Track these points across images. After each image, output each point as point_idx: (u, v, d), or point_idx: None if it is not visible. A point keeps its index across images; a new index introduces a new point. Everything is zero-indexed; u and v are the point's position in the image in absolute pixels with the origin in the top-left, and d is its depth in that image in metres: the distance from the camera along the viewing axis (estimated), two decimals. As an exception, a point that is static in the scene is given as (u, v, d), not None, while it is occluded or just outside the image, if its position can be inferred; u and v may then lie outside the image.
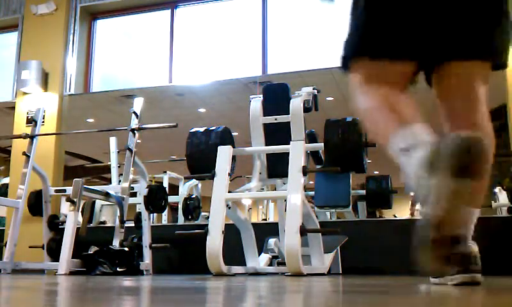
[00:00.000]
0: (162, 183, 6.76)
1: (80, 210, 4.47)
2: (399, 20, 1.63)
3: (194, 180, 6.40)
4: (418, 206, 4.54)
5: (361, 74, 1.70)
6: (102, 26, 6.78)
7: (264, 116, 4.17)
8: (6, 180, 6.59)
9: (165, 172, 6.85)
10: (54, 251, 4.66)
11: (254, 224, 4.25)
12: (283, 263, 3.97)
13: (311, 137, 4.48)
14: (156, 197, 4.68)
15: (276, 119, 4.12)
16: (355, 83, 1.72)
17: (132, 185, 4.87)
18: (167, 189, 5.68)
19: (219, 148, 3.90)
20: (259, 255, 4.25)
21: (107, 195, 4.66)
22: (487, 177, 1.56)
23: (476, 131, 1.54)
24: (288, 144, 3.82)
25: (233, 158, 4.06)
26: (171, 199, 6.20)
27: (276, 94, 4.27)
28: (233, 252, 4.02)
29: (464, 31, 1.62)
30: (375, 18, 1.68)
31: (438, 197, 1.31)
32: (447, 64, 1.67)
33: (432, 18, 1.60)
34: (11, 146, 6.32)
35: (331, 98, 6.45)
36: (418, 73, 1.71)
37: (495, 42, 1.66)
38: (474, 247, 1.68)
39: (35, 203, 4.95)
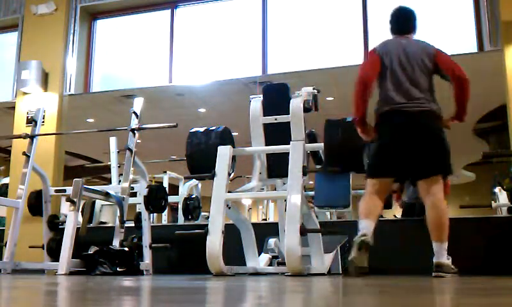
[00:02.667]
0: (162, 183, 6.76)
1: (80, 210, 4.47)
2: (392, 163, 3.40)
3: (194, 180, 6.40)
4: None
5: (371, 183, 3.43)
6: (102, 26, 6.78)
7: (264, 116, 4.16)
8: (6, 180, 6.59)
9: (165, 172, 6.84)
10: (54, 251, 4.65)
11: (254, 224, 4.25)
12: (283, 263, 3.97)
13: (311, 137, 4.48)
14: (156, 197, 4.68)
15: (276, 119, 4.12)
16: (368, 185, 3.43)
17: (132, 185, 4.87)
18: (167, 189, 5.68)
19: (219, 148, 3.90)
20: (259, 255, 4.24)
21: (107, 195, 4.66)
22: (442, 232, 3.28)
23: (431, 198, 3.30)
24: (288, 144, 3.82)
25: (233, 158, 4.05)
26: (171, 199, 6.20)
27: (276, 94, 4.26)
28: (233, 252, 4.01)
29: (423, 167, 3.34)
30: (382, 160, 3.43)
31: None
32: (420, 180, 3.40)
33: (407, 165, 3.36)
34: (11, 146, 6.31)
35: (331, 98, 6.45)
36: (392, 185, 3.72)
37: (440, 167, 3.35)
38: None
39: (35, 203, 4.95)
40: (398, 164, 3.35)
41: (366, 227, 3.24)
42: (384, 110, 3.37)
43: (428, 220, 3.31)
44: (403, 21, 3.56)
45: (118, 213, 4.60)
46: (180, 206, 6.51)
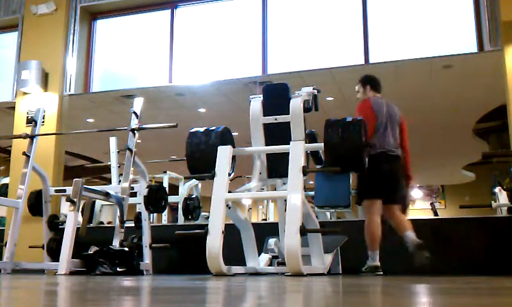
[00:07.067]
0: (162, 183, 6.76)
1: (80, 210, 4.46)
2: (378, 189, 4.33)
3: (194, 180, 6.40)
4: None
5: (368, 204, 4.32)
6: (102, 26, 6.78)
7: (264, 116, 4.16)
8: (6, 180, 6.59)
9: (165, 172, 6.85)
10: (54, 251, 4.65)
11: (254, 224, 4.24)
12: (283, 263, 3.97)
13: (311, 137, 4.48)
14: (156, 197, 4.68)
15: (276, 119, 4.11)
16: (367, 207, 4.34)
17: (132, 185, 4.87)
18: (167, 189, 5.68)
19: (219, 148, 3.90)
20: (259, 255, 4.24)
21: (107, 195, 4.65)
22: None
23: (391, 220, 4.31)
24: (288, 144, 3.82)
25: (233, 158, 4.05)
26: (171, 199, 6.20)
27: (276, 94, 4.26)
28: (233, 252, 4.01)
29: (390, 195, 4.31)
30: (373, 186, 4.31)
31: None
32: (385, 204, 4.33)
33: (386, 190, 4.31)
34: (11, 146, 6.31)
35: (331, 98, 6.45)
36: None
37: (398, 197, 4.35)
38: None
39: (35, 203, 4.95)
40: (381, 189, 4.30)
41: (376, 258, 4.15)
42: (374, 153, 4.26)
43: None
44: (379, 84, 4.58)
45: (118, 213, 4.60)
46: (180, 206, 6.51)
